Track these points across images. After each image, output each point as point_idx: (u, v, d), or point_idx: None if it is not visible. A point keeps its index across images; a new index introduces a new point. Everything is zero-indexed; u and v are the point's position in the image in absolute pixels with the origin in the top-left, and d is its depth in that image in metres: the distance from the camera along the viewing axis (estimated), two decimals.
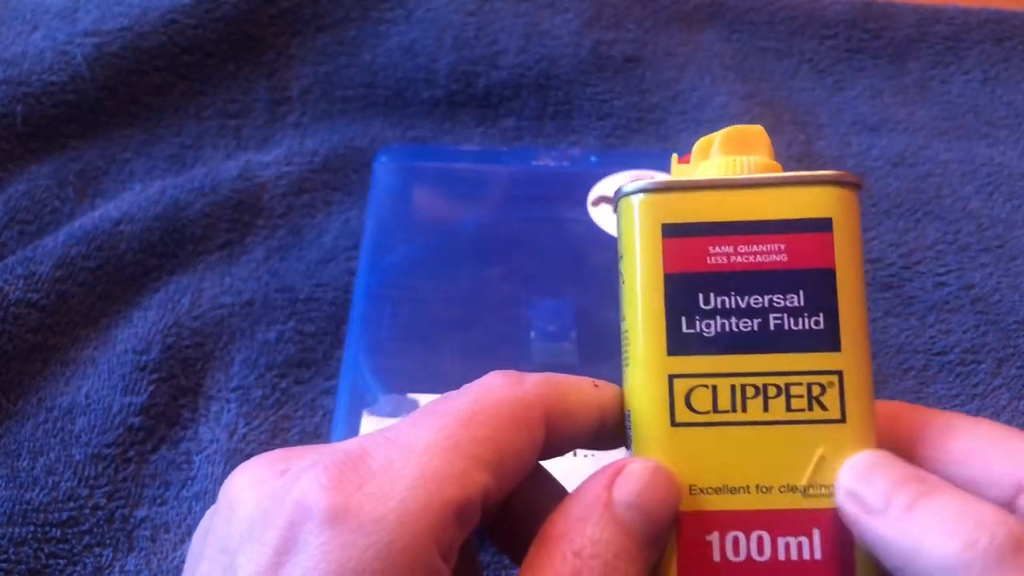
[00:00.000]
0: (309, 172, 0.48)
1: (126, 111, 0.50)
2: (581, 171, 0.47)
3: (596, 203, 0.46)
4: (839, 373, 0.23)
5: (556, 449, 0.24)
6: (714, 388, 0.23)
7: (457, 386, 0.24)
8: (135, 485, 0.37)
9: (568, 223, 0.45)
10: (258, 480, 0.21)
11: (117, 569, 0.35)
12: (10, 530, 0.35)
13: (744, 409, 0.23)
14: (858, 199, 0.23)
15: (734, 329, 0.23)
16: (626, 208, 0.24)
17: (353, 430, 0.37)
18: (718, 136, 0.25)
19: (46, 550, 0.35)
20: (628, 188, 0.24)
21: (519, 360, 0.40)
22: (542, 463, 0.25)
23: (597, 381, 0.25)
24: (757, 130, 0.25)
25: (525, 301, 0.42)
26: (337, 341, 0.42)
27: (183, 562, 0.35)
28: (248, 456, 0.38)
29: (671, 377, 0.23)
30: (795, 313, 0.23)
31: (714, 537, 0.22)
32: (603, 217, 0.45)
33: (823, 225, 0.23)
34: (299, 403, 0.40)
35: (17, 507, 0.35)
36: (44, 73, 0.49)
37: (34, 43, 0.50)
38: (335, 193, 0.48)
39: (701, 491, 0.23)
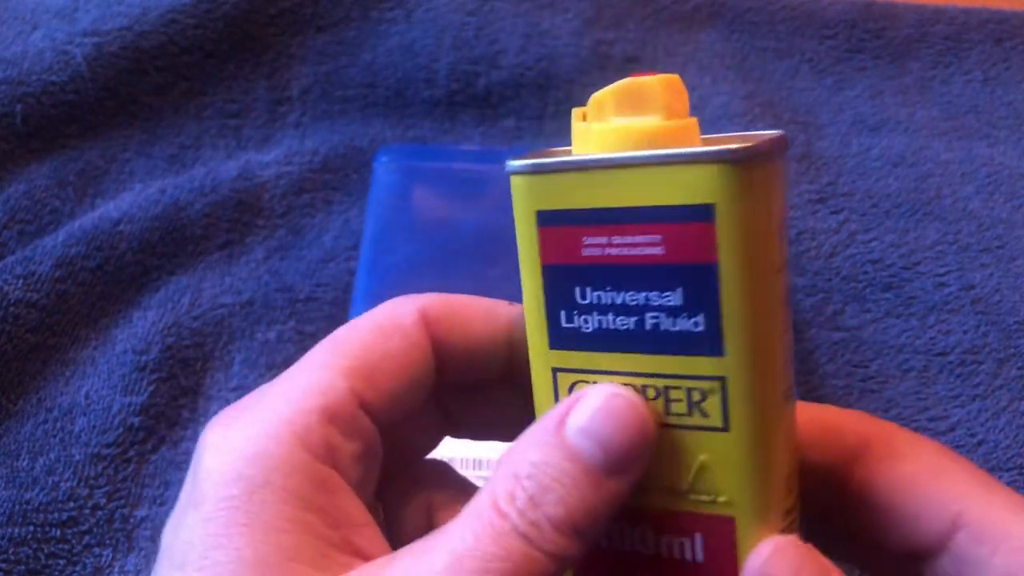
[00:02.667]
0: (309, 172, 0.48)
1: (126, 111, 0.50)
2: None
3: None
4: (722, 380, 0.20)
5: (462, 365, 0.24)
6: (595, 384, 0.21)
7: None
8: (135, 485, 0.37)
9: None
10: None
11: (117, 569, 0.35)
12: (10, 530, 0.35)
13: None
14: (752, 177, 0.19)
15: (611, 327, 0.21)
16: (511, 187, 0.22)
17: None
18: (609, 93, 0.21)
19: (46, 550, 0.35)
20: (508, 166, 0.21)
21: None
22: None
23: (518, 304, 0.24)
24: (656, 84, 0.21)
25: None
26: None
27: None
28: None
29: (554, 370, 0.22)
30: (674, 312, 0.20)
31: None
32: None
33: (704, 213, 0.19)
34: None
35: (17, 507, 0.35)
36: (44, 73, 0.49)
37: (34, 43, 0.50)
38: (335, 193, 0.48)
39: None
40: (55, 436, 0.38)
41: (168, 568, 0.20)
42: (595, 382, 0.21)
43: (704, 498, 0.21)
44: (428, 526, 0.25)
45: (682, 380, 0.21)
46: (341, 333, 0.23)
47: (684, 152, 0.19)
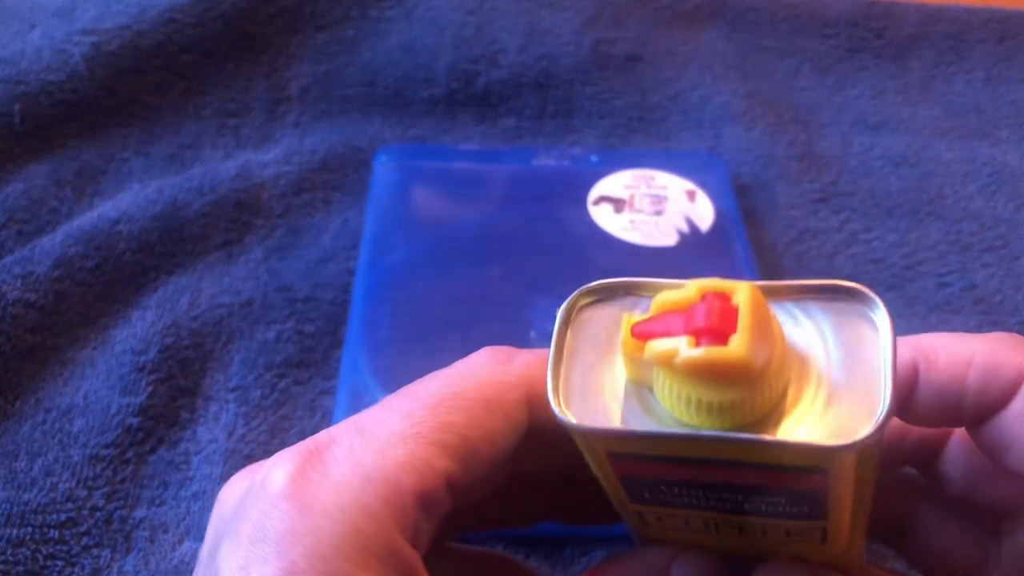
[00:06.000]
0: (308, 171, 0.48)
1: (124, 110, 0.50)
2: (581, 170, 0.47)
3: (596, 203, 0.46)
4: (821, 527, 0.20)
5: (549, 445, 0.23)
6: (687, 520, 0.21)
7: None
8: (133, 486, 0.37)
9: (568, 223, 0.45)
10: (239, 483, 0.22)
11: (115, 570, 0.35)
12: (8, 531, 0.35)
13: (717, 531, 0.21)
14: (865, 450, 0.17)
15: (701, 503, 0.20)
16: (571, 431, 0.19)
17: None
18: (684, 358, 0.17)
19: (44, 551, 0.35)
20: (568, 422, 0.19)
21: None
22: None
23: None
24: (736, 357, 0.16)
25: (525, 301, 0.41)
26: (336, 341, 0.42)
27: (181, 562, 0.35)
28: (247, 456, 0.38)
29: (640, 512, 0.22)
30: (774, 503, 0.19)
31: None
32: (603, 217, 0.45)
33: (815, 471, 0.18)
34: (298, 403, 0.40)
35: (15, 508, 0.35)
36: (42, 72, 0.48)
37: (32, 41, 0.50)
38: (334, 193, 0.48)
39: None
40: (53, 437, 0.38)
41: None
42: (686, 519, 0.21)
43: None
44: None
45: (781, 525, 0.20)
46: (445, 393, 0.21)
47: (801, 444, 0.17)
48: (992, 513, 0.24)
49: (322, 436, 0.21)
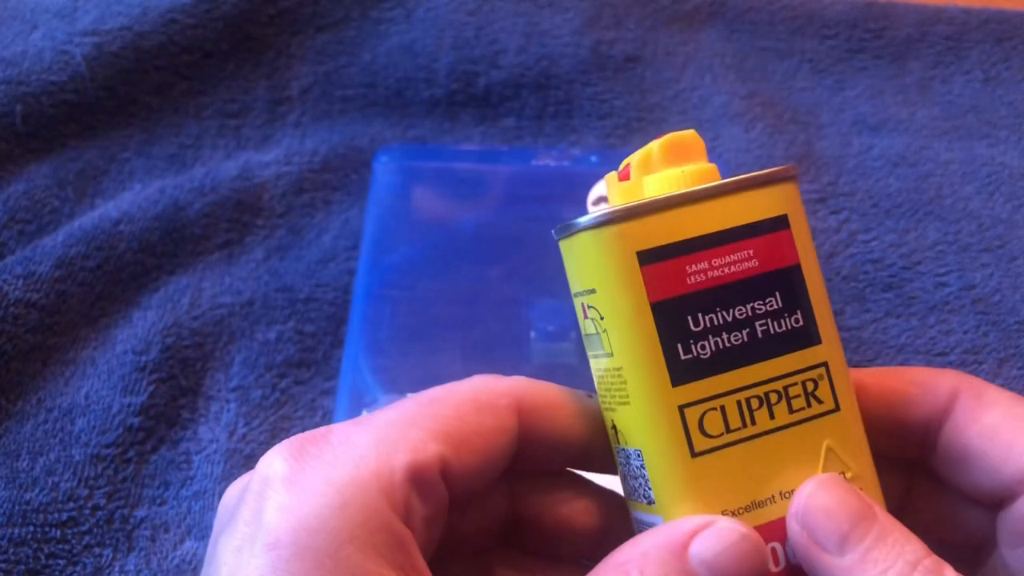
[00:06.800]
0: (309, 172, 0.48)
1: (126, 111, 0.50)
2: (581, 171, 0.47)
3: (596, 203, 0.46)
4: (825, 364, 0.23)
5: (543, 450, 0.24)
6: (722, 408, 0.22)
7: None
8: (135, 485, 0.37)
9: None
10: (243, 480, 0.23)
11: (117, 569, 0.35)
12: (10, 530, 0.35)
13: (753, 422, 0.22)
14: (799, 189, 0.24)
15: (726, 345, 0.22)
16: (592, 242, 0.23)
17: None
18: (655, 148, 0.24)
19: (46, 550, 0.35)
20: (590, 220, 0.23)
21: (519, 360, 0.39)
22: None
23: (593, 393, 0.25)
24: (691, 136, 0.24)
25: (525, 301, 0.41)
26: (337, 341, 0.42)
27: (183, 561, 0.35)
28: (247, 456, 0.38)
29: (682, 408, 0.22)
30: (776, 316, 0.23)
31: None
32: None
33: (781, 223, 0.23)
34: (298, 403, 0.40)
35: (17, 507, 0.35)
36: (44, 73, 0.48)
37: (34, 42, 0.50)
38: (335, 193, 0.48)
39: (734, 514, 0.22)
40: (55, 436, 0.38)
41: None
42: (722, 406, 0.22)
43: None
44: None
45: (797, 375, 0.23)
46: (439, 395, 0.23)
47: (762, 175, 0.23)
48: (990, 494, 0.25)
49: (319, 429, 0.23)
